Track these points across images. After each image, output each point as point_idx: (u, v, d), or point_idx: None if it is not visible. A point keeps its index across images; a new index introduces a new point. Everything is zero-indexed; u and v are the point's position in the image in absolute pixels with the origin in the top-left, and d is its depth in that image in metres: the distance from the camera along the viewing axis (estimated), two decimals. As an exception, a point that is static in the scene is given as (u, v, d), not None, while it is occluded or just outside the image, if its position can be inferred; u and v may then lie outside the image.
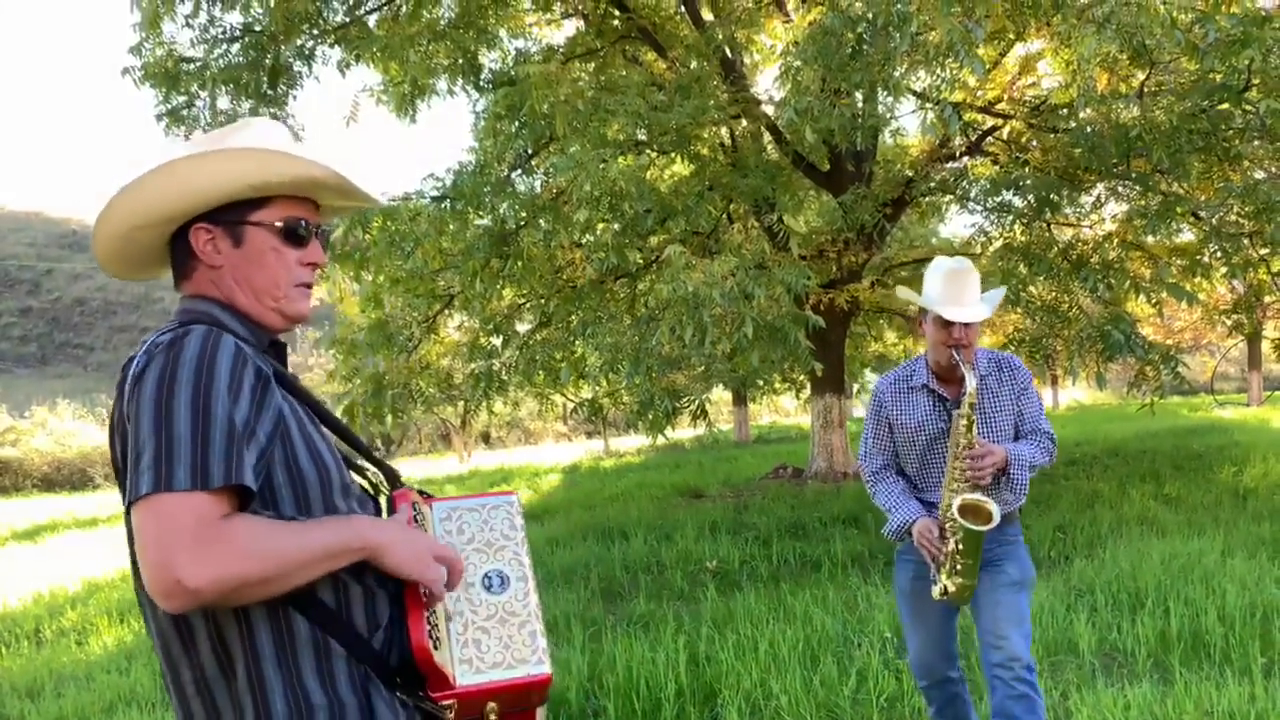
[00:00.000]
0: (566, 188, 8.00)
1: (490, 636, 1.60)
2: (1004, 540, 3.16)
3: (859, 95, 7.71)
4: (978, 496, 2.94)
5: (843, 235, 9.98)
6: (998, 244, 9.26)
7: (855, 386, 19.27)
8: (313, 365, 33.53)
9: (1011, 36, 8.41)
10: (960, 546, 2.93)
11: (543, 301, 10.91)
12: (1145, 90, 7.38)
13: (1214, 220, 8.45)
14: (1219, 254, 8.73)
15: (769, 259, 7.38)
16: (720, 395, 25.01)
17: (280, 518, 1.39)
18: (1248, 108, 7.01)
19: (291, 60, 9.24)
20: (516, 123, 9.56)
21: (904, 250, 13.60)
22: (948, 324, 3.03)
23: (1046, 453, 3.17)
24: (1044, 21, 7.62)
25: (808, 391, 12.79)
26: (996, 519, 2.88)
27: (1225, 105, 7.09)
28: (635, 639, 5.35)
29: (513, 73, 9.56)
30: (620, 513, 10.46)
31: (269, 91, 9.17)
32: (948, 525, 2.98)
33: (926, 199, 11.70)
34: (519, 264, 9.55)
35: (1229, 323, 10.12)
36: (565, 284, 10.45)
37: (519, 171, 10.52)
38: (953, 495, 2.98)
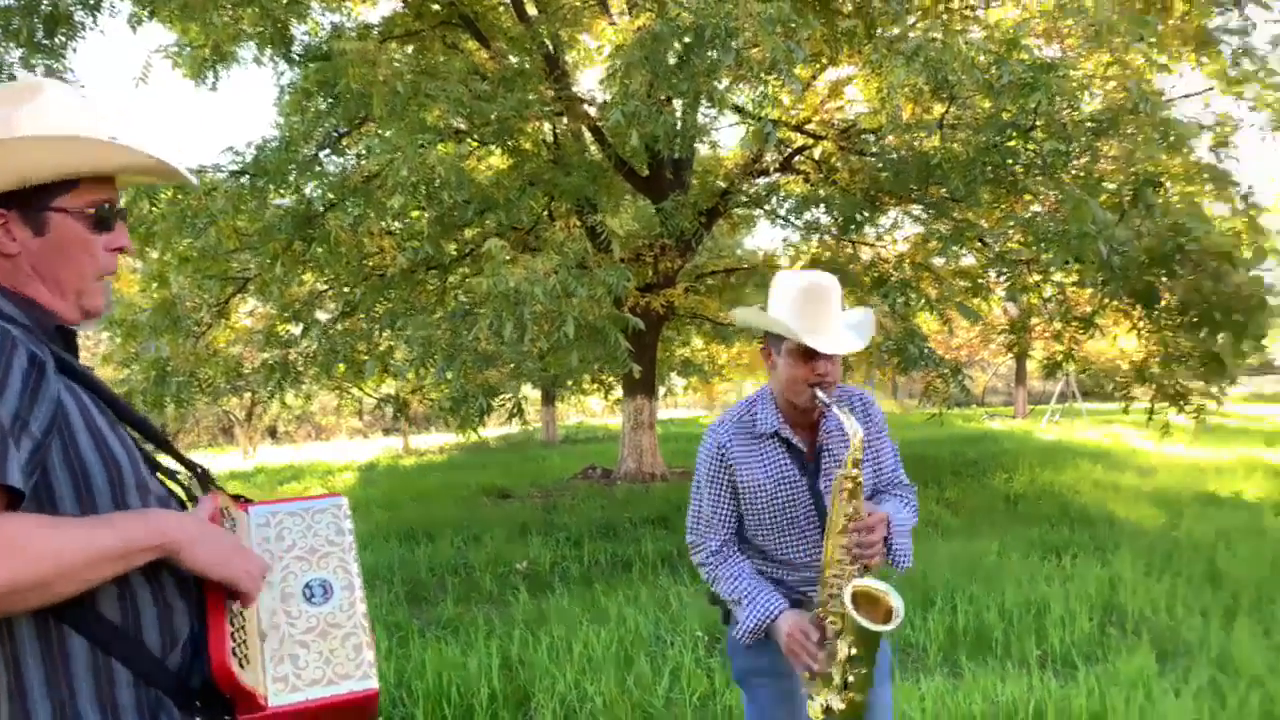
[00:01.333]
0: (380, 171, 7.69)
1: (309, 651, 1.46)
2: None
3: (680, 104, 7.84)
4: (871, 583, 2.19)
5: (660, 240, 10.13)
6: (805, 259, 9.68)
7: (663, 390, 19.64)
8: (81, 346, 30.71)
9: (825, 60, 8.78)
10: (853, 651, 2.18)
11: (347, 289, 10.45)
12: (945, 122, 7.89)
13: (997, 247, 9.15)
14: (1000, 278, 9.47)
15: (591, 259, 7.37)
16: (527, 394, 24.84)
17: None
18: (1033, 146, 7.62)
19: (73, 8, 8.40)
20: (328, 100, 9.10)
21: (713, 259, 13.97)
22: (811, 356, 2.29)
23: (915, 511, 2.56)
24: (856, 49, 8.02)
25: (617, 392, 12.92)
26: (900, 614, 2.14)
27: (1014, 142, 7.68)
28: (445, 644, 5.19)
29: (326, 47, 9.10)
30: (424, 513, 10.17)
31: (44, 41, 8.29)
32: (830, 623, 2.23)
33: (739, 211, 12.07)
34: (323, 248, 9.11)
35: (1003, 341, 11.04)
36: (373, 272, 10.05)
37: (328, 151, 10.03)
38: (837, 582, 2.22)
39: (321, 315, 11.03)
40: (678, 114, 7.78)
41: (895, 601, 2.14)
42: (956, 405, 20.48)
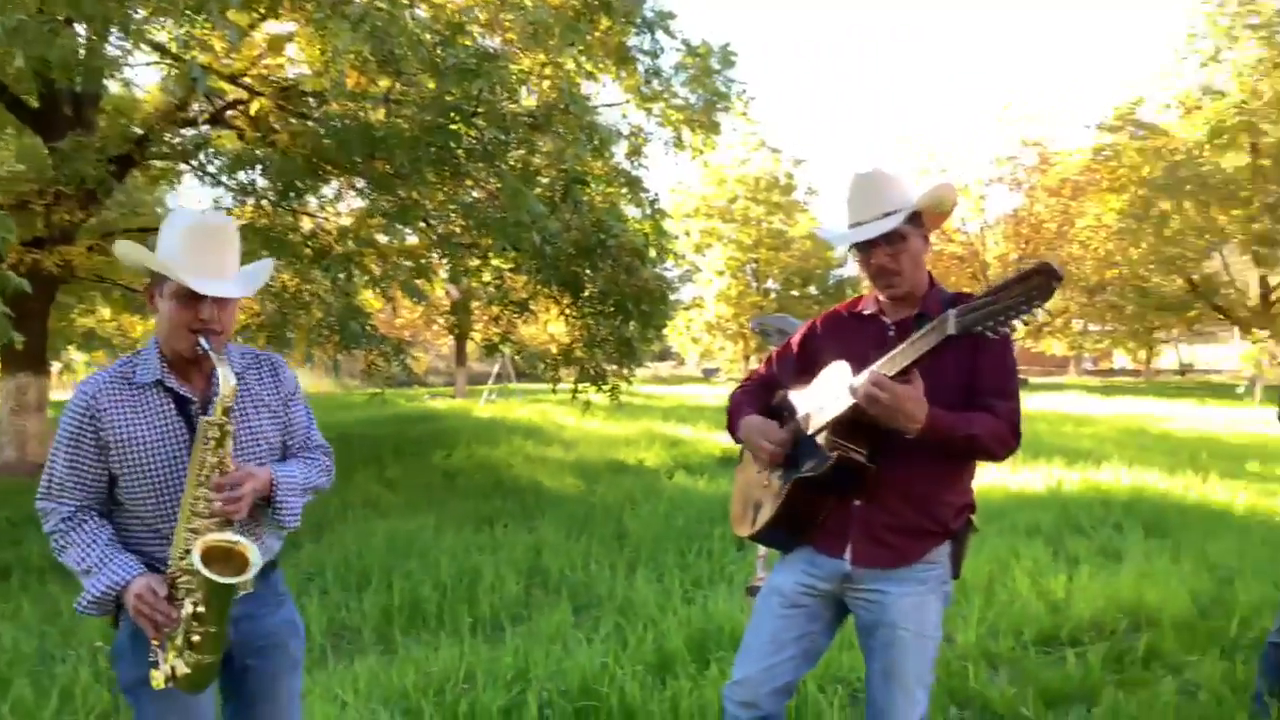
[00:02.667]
0: None
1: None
2: (273, 599, 2.37)
3: (84, 29, 6.77)
4: (229, 536, 2.09)
5: (55, 188, 8.63)
6: (239, 223, 8.93)
7: (59, 366, 16.97)
8: None
9: (264, 10, 8.18)
10: (200, 609, 2.03)
11: None
12: (391, 96, 7.81)
13: (441, 228, 9.33)
14: (443, 260, 9.68)
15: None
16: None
17: None
18: (474, 132, 7.87)
19: None
20: None
21: (127, 216, 12.37)
22: (195, 299, 2.12)
23: (326, 472, 2.45)
24: (300, 4, 7.59)
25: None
26: (257, 566, 2.08)
27: (458, 126, 7.85)
28: None
29: None
30: None
31: None
32: (182, 581, 2.06)
33: (160, 163, 10.82)
34: None
35: (445, 322, 11.36)
36: None
37: None
38: (191, 536, 2.07)
39: None
40: (81, 39, 6.67)
41: (254, 556, 2.07)
42: (399, 385, 20.72)
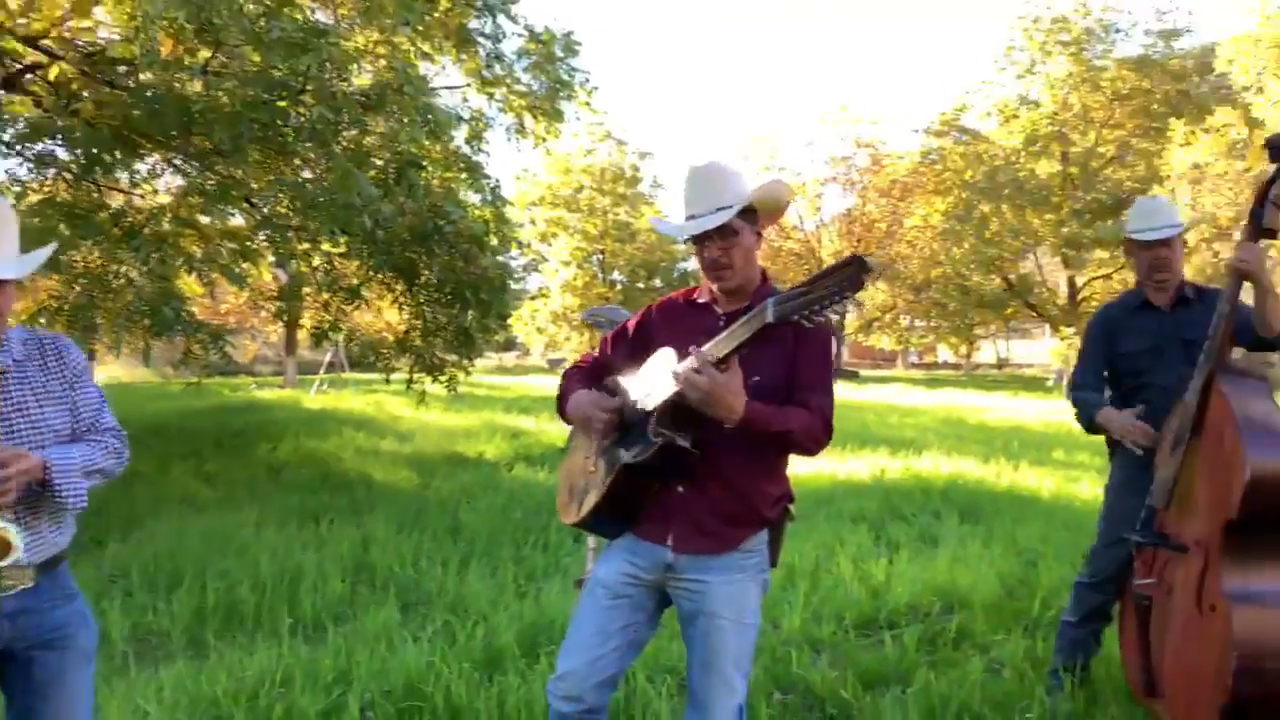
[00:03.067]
0: None
1: None
2: (59, 594, 2.25)
3: None
4: None
5: None
6: (36, 197, 8.21)
7: None
8: None
9: (70, -29, 7.56)
10: None
11: None
12: (210, 68, 7.35)
13: (266, 209, 8.87)
14: (268, 242, 9.20)
15: None
16: None
17: None
18: (303, 110, 7.49)
19: None
20: None
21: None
22: None
23: (114, 455, 2.32)
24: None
25: None
26: (19, 551, 2.02)
27: (285, 103, 7.46)
28: None
29: None
30: None
31: None
32: None
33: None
34: None
35: (273, 308, 10.81)
36: None
37: None
38: None
39: None
40: None
41: (16, 540, 2.02)
42: (220, 374, 19.71)
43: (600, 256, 38.88)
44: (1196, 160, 21.42)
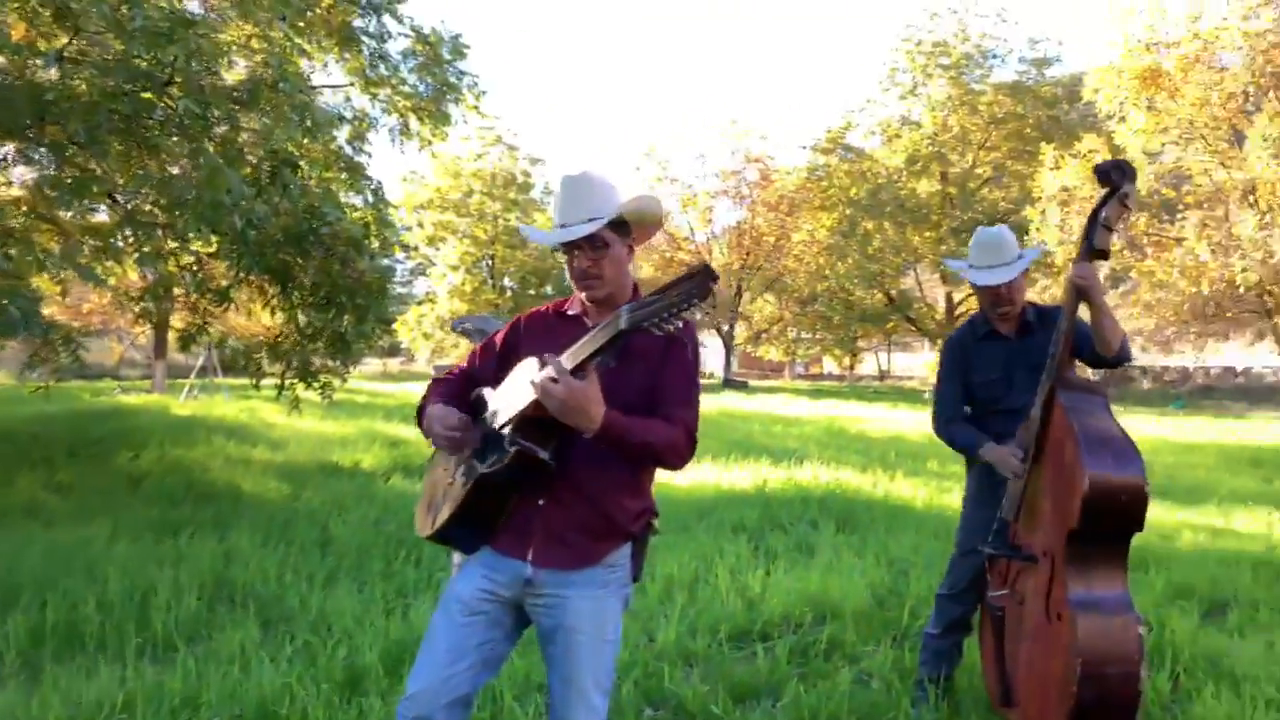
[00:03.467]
0: None
1: None
2: None
3: None
4: None
5: None
6: None
7: None
8: None
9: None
10: None
11: None
12: (67, 55, 6.94)
13: (129, 206, 8.42)
14: (133, 240, 8.73)
15: None
16: None
17: None
18: (170, 102, 7.14)
19: None
20: None
21: None
22: None
23: None
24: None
25: None
26: None
27: (149, 95, 7.09)
28: None
29: None
30: None
31: None
32: None
33: None
34: None
35: (138, 310, 10.25)
36: None
37: None
38: None
39: None
40: None
41: None
42: (81, 377, 18.69)
43: (490, 262, 38.49)
44: (1065, 184, 22.47)
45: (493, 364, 2.59)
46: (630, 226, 2.44)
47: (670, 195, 40.38)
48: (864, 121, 36.47)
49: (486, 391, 2.52)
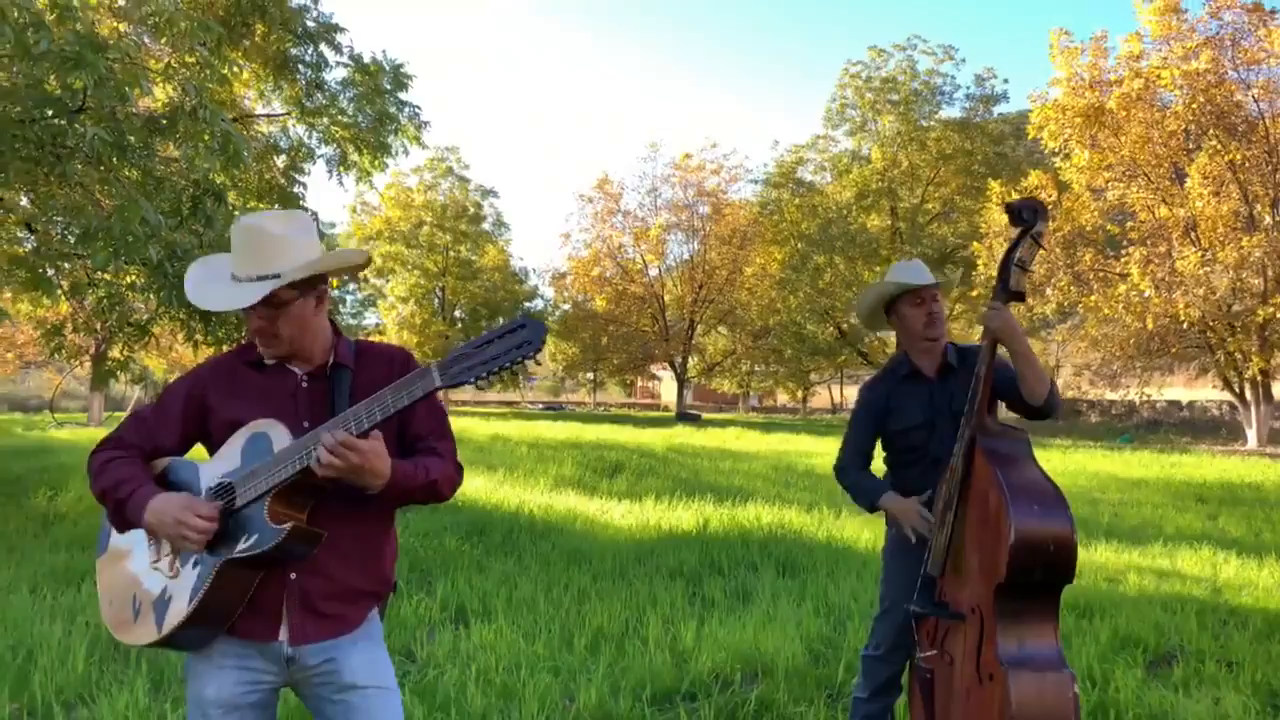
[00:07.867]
0: None
1: None
2: None
3: None
4: None
5: None
6: None
7: None
8: None
9: None
10: None
11: None
12: (-28, 78, 6.64)
13: (44, 235, 8.07)
14: (55, 272, 8.39)
15: None
16: None
17: None
18: (80, 129, 6.84)
19: None
20: None
21: None
22: None
23: None
24: None
25: None
26: None
27: (60, 121, 6.80)
28: None
29: None
30: None
31: None
32: None
33: None
34: None
35: (52, 343, 9.75)
36: None
37: None
38: None
39: None
40: None
41: None
42: (20, 409, 18.06)
43: (441, 294, 38.11)
44: (1012, 220, 22.77)
45: (176, 431, 2.25)
46: (324, 276, 2.22)
47: (623, 228, 40.36)
48: (814, 157, 36.83)
49: (193, 464, 2.22)
